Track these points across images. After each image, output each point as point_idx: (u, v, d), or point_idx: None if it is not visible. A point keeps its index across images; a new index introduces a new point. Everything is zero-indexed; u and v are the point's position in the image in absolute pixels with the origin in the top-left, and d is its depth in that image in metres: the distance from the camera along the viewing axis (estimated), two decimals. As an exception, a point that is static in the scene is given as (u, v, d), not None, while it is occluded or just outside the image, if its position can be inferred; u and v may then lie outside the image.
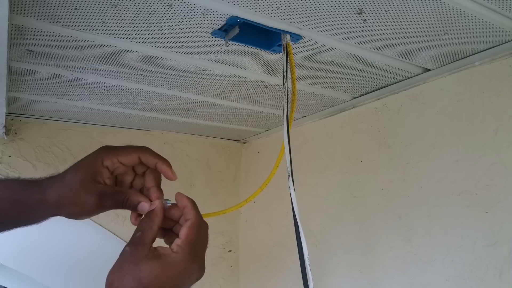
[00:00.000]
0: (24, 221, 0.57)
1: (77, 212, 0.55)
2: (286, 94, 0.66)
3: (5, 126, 1.08)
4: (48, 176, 0.57)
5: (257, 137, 1.48)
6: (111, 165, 0.56)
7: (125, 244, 0.50)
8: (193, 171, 1.45)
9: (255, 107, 1.11)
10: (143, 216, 0.54)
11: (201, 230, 0.52)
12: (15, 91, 0.94)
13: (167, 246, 0.51)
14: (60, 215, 0.56)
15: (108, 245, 0.62)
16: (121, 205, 0.55)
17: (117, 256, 0.49)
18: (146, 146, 0.59)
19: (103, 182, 0.56)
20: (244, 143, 1.58)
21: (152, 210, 0.53)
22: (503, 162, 0.75)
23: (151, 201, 0.56)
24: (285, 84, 0.66)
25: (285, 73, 0.66)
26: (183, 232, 0.51)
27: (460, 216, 0.80)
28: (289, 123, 0.64)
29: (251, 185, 1.51)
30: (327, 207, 1.13)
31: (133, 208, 0.56)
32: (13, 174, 1.13)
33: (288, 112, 0.65)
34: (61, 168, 0.58)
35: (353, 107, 1.09)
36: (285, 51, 0.67)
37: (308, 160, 1.22)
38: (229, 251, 1.49)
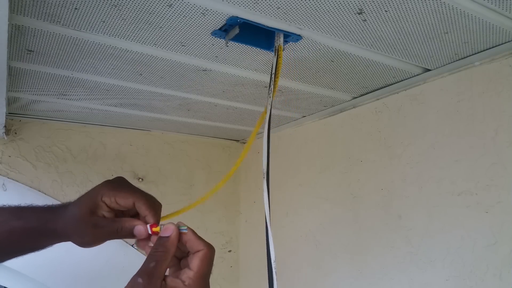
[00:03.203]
0: (37, 247, 0.61)
1: (81, 242, 0.57)
2: (271, 96, 0.64)
3: (5, 126, 1.08)
4: (61, 204, 0.61)
5: (257, 137, 1.48)
6: (109, 203, 0.57)
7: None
8: (193, 171, 1.45)
9: (255, 107, 1.11)
10: (157, 241, 0.51)
11: (211, 261, 0.51)
12: (15, 91, 0.94)
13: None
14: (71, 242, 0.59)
15: (108, 246, 0.62)
16: (116, 233, 0.55)
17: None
18: (148, 194, 0.58)
19: (101, 216, 0.57)
20: (244, 143, 1.58)
21: (168, 238, 0.50)
22: (503, 162, 0.75)
23: (147, 223, 0.55)
24: (271, 86, 0.65)
25: (273, 75, 0.65)
26: (195, 264, 0.49)
27: (460, 216, 0.80)
28: (270, 125, 0.62)
29: (251, 185, 1.51)
30: (327, 207, 1.13)
31: (130, 234, 0.55)
32: (13, 174, 1.13)
33: (269, 113, 0.63)
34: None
35: (353, 107, 1.09)
36: (276, 53, 0.66)
37: (308, 160, 1.21)
38: (229, 251, 1.49)
